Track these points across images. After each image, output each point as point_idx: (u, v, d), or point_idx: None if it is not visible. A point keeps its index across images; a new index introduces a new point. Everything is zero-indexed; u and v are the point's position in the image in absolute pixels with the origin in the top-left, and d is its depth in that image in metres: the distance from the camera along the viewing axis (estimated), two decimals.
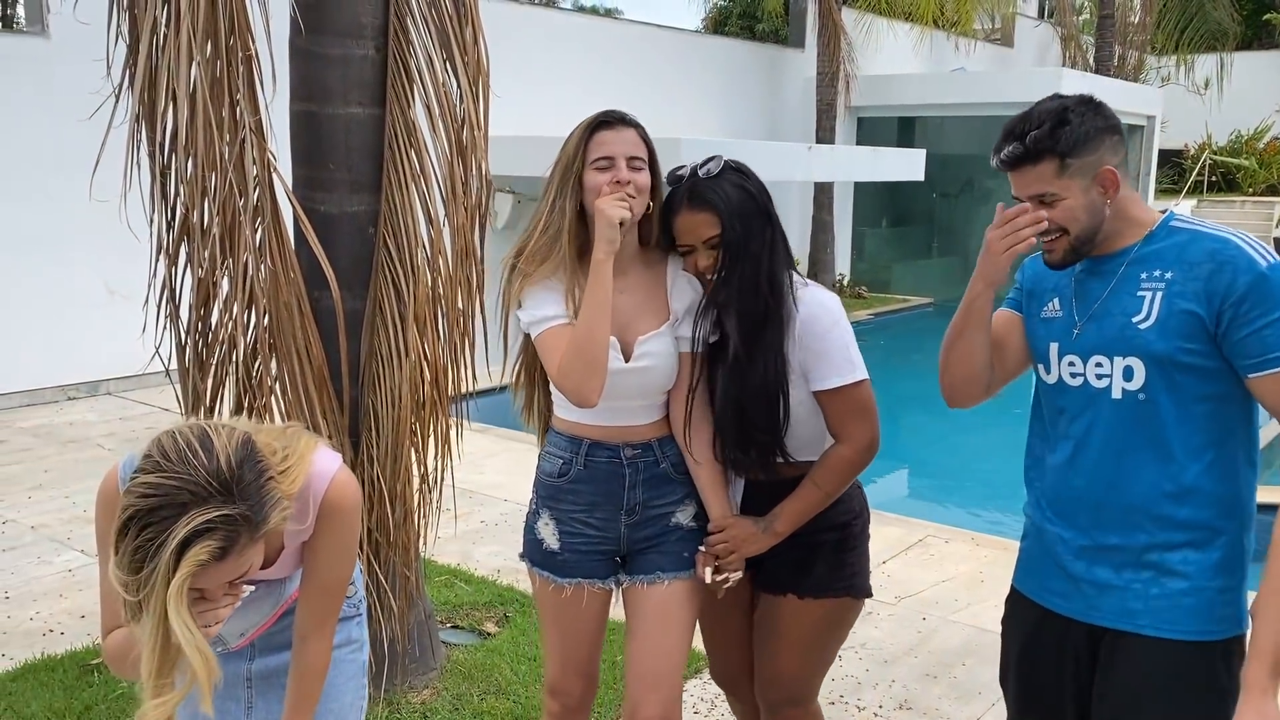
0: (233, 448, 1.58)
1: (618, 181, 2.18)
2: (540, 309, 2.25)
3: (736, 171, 2.28)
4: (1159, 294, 1.94)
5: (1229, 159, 20.44)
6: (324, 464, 1.84)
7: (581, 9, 24.68)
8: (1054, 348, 2.09)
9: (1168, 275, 1.94)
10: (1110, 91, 15.47)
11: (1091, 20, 21.06)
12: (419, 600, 3.58)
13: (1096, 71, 18.04)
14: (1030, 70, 18.19)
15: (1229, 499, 1.95)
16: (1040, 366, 2.14)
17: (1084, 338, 2.03)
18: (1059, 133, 1.93)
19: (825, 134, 14.34)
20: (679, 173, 2.28)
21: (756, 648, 2.51)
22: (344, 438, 3.18)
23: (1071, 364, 2.05)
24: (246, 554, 1.59)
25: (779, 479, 2.34)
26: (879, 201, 16.30)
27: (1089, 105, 1.97)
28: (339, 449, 3.15)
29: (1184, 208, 19.14)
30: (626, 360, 2.27)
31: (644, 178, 2.22)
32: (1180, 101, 19.89)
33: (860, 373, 2.27)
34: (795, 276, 2.31)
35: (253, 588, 1.90)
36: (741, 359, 2.24)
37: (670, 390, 2.34)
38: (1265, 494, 2.11)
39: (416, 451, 3.35)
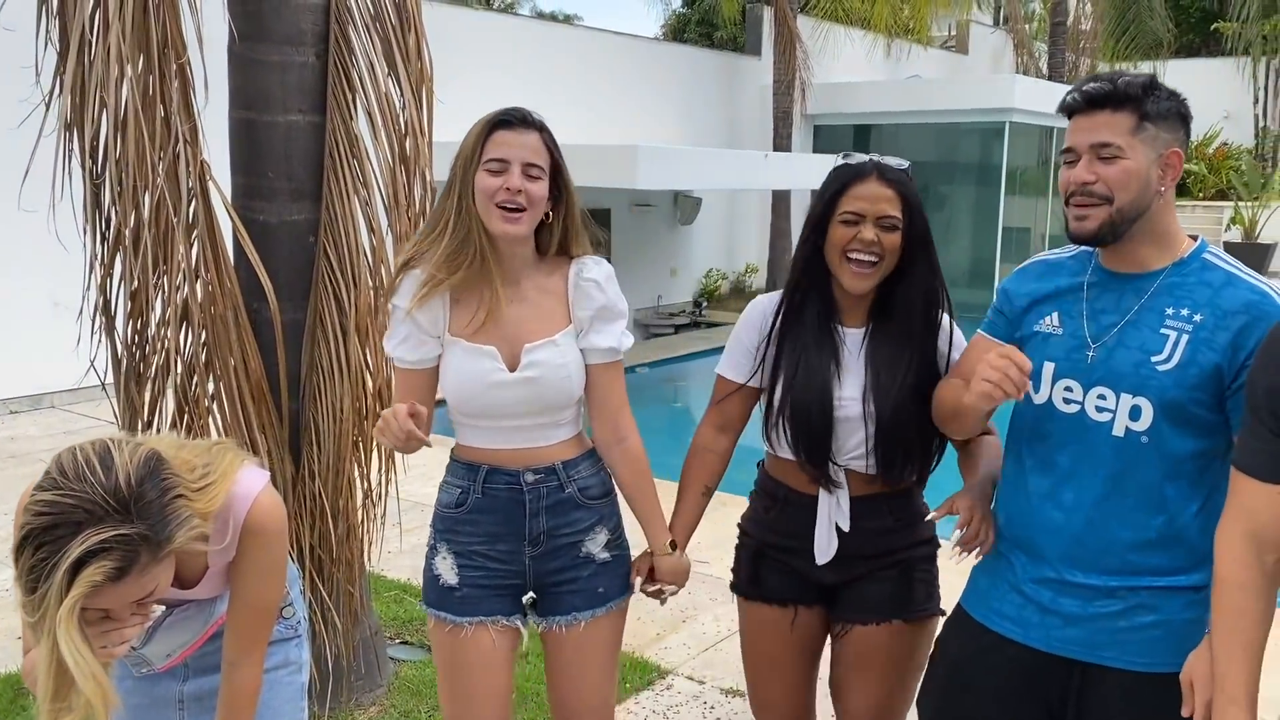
0: (134, 465, 1.53)
1: (507, 189, 2.03)
2: (404, 343, 2.16)
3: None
4: (1184, 337, 1.84)
5: None
6: (248, 484, 1.80)
7: (539, 15, 24.67)
8: (1049, 368, 1.96)
9: (1196, 318, 1.84)
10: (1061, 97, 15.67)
11: (1044, 27, 21.35)
12: (365, 616, 3.52)
13: (1049, 78, 18.28)
14: (985, 77, 18.39)
15: (1207, 549, 1.85)
16: (1030, 385, 1.99)
17: (1092, 366, 1.91)
18: (1150, 91, 1.84)
19: (782, 141, 14.40)
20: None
21: (844, 684, 2.36)
22: (284, 452, 3.12)
23: (1068, 389, 1.94)
24: (150, 574, 1.54)
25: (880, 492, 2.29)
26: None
27: (1176, 94, 1.90)
28: (279, 463, 3.09)
29: None
30: (512, 370, 2.12)
31: (538, 189, 2.07)
32: None
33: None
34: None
35: (163, 608, 1.85)
36: (913, 357, 2.21)
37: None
38: None
39: (359, 465, 3.30)
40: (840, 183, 2.17)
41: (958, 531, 2.08)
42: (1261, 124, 21.74)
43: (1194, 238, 1.94)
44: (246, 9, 3.05)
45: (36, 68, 2.84)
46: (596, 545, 2.24)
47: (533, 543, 2.20)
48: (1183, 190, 20.69)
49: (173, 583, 1.76)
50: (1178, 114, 1.88)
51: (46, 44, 2.85)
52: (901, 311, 2.23)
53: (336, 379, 3.13)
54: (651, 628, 4.21)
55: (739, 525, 2.47)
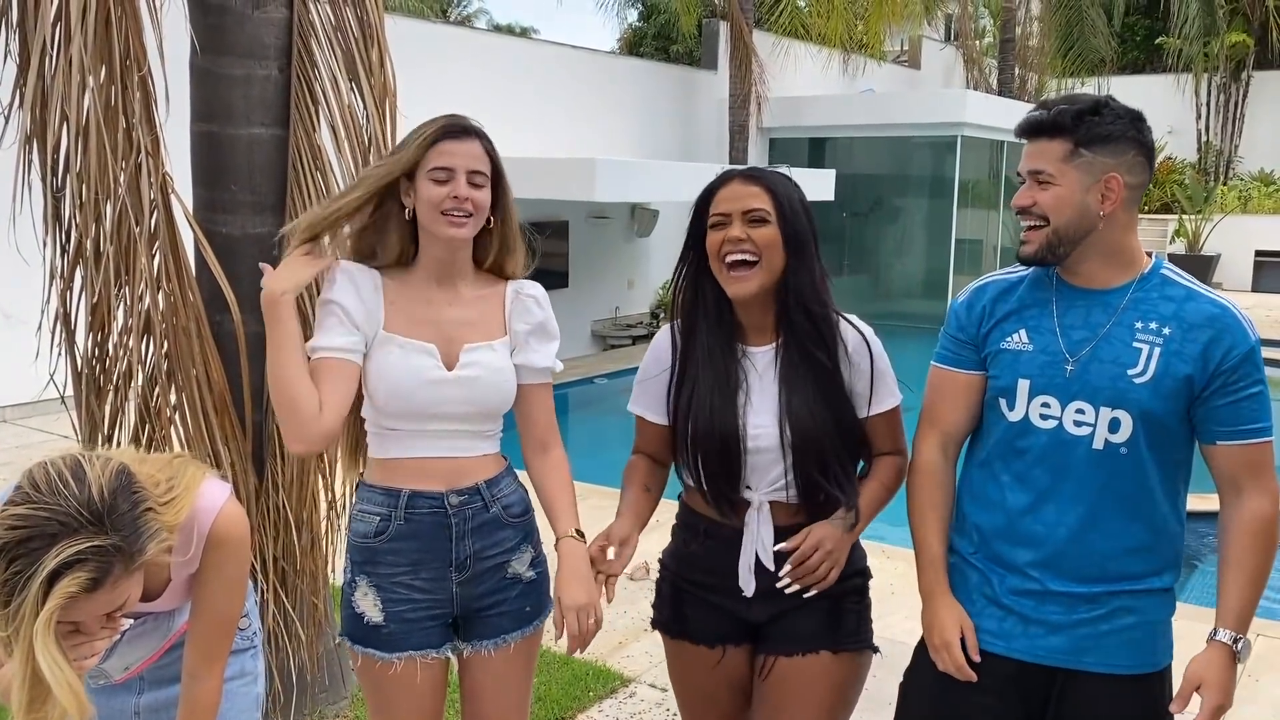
0: (106, 478, 1.55)
1: (454, 197, 2.04)
2: (317, 333, 2.08)
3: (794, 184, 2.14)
4: (1157, 349, 1.89)
5: None
6: (211, 496, 1.81)
7: (497, 28, 24.67)
8: (1024, 385, 1.97)
9: (1165, 331, 1.89)
10: (1014, 112, 15.93)
11: (994, 44, 21.72)
12: (328, 628, 3.51)
13: (999, 93, 18.60)
14: (936, 91, 18.66)
15: (1179, 551, 2.00)
16: (1001, 402, 2.01)
17: (1069, 381, 1.93)
18: (1084, 119, 1.87)
19: (738, 155, 14.52)
20: None
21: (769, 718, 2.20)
22: (247, 464, 3.11)
23: (1045, 405, 1.95)
24: (122, 586, 1.56)
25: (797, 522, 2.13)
26: None
27: (1130, 115, 1.91)
28: (243, 475, 3.09)
29: None
30: (450, 369, 2.10)
31: (482, 195, 2.08)
32: None
33: (899, 395, 2.20)
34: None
35: (132, 621, 1.85)
36: (826, 377, 2.09)
37: None
38: (1196, 502, 2.13)
39: (323, 477, 3.30)
40: (707, 192, 2.10)
41: (789, 565, 2.07)
42: (1204, 139, 22.25)
43: (1149, 254, 1.99)
44: (209, 22, 3.06)
45: None
46: (523, 564, 2.22)
47: (459, 568, 2.14)
48: None
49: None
50: (1125, 137, 1.89)
51: (5, 57, 2.85)
52: (796, 322, 2.09)
53: None
54: (614, 636, 4.24)
55: (659, 559, 2.35)
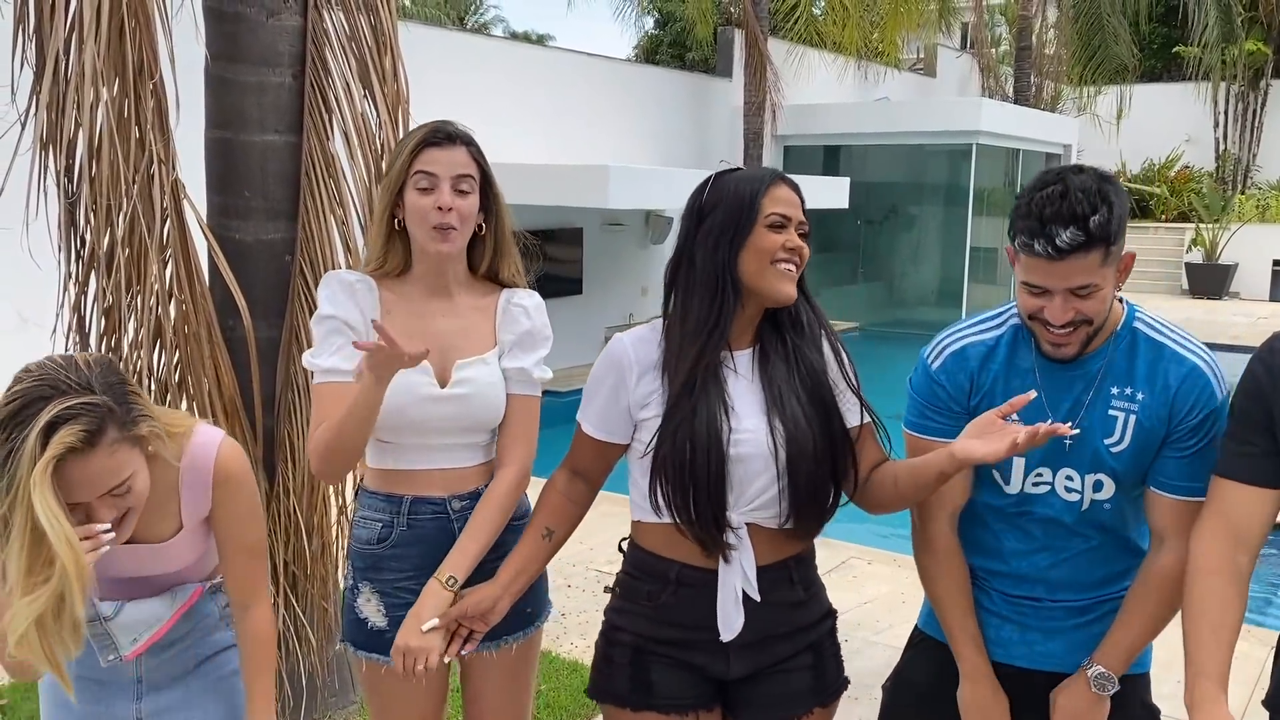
0: (94, 360, 1.67)
1: (439, 207, 2.01)
2: (341, 350, 2.04)
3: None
4: (1132, 417, 1.89)
5: (1143, 187, 21.13)
6: (207, 434, 1.89)
7: (513, 36, 24.76)
8: (1019, 462, 1.96)
9: (1139, 396, 1.89)
10: (1029, 120, 15.92)
11: (1010, 51, 21.68)
12: (338, 632, 3.52)
13: (1015, 101, 18.56)
14: (952, 100, 18.64)
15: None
16: (995, 474, 1.98)
17: (1059, 454, 1.93)
18: (1112, 218, 1.75)
19: (752, 162, 14.53)
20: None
21: None
22: (258, 469, 3.13)
23: (1039, 475, 1.97)
24: (119, 455, 1.63)
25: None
26: None
27: (1113, 182, 1.81)
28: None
29: None
30: (443, 386, 2.08)
31: (469, 203, 2.05)
32: (1097, 131, 20.54)
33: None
34: None
35: (128, 539, 1.81)
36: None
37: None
38: None
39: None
40: (759, 187, 1.91)
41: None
42: (1222, 147, 22.14)
43: (1120, 300, 1.94)
44: (224, 30, 3.09)
45: (12, 87, 2.86)
46: None
47: None
48: (1145, 212, 21.06)
49: (146, 539, 1.84)
50: (1125, 216, 1.81)
51: (22, 64, 2.87)
52: (782, 321, 1.97)
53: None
54: None
55: (605, 622, 2.09)
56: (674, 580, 1.96)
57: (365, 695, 2.24)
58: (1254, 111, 22.03)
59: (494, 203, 2.13)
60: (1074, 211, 1.74)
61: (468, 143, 2.09)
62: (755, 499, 1.91)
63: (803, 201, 1.95)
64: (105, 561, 1.73)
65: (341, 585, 2.22)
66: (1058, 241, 1.74)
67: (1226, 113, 22.05)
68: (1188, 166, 21.57)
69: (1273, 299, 17.63)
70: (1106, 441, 1.91)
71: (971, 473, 2.00)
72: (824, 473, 1.92)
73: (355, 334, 2.05)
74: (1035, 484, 1.97)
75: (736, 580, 1.92)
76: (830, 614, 2.09)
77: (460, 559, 2.05)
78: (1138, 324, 1.93)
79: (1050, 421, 1.80)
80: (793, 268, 1.90)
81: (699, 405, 1.88)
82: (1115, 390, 1.90)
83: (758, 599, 1.92)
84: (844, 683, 2.10)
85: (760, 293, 1.90)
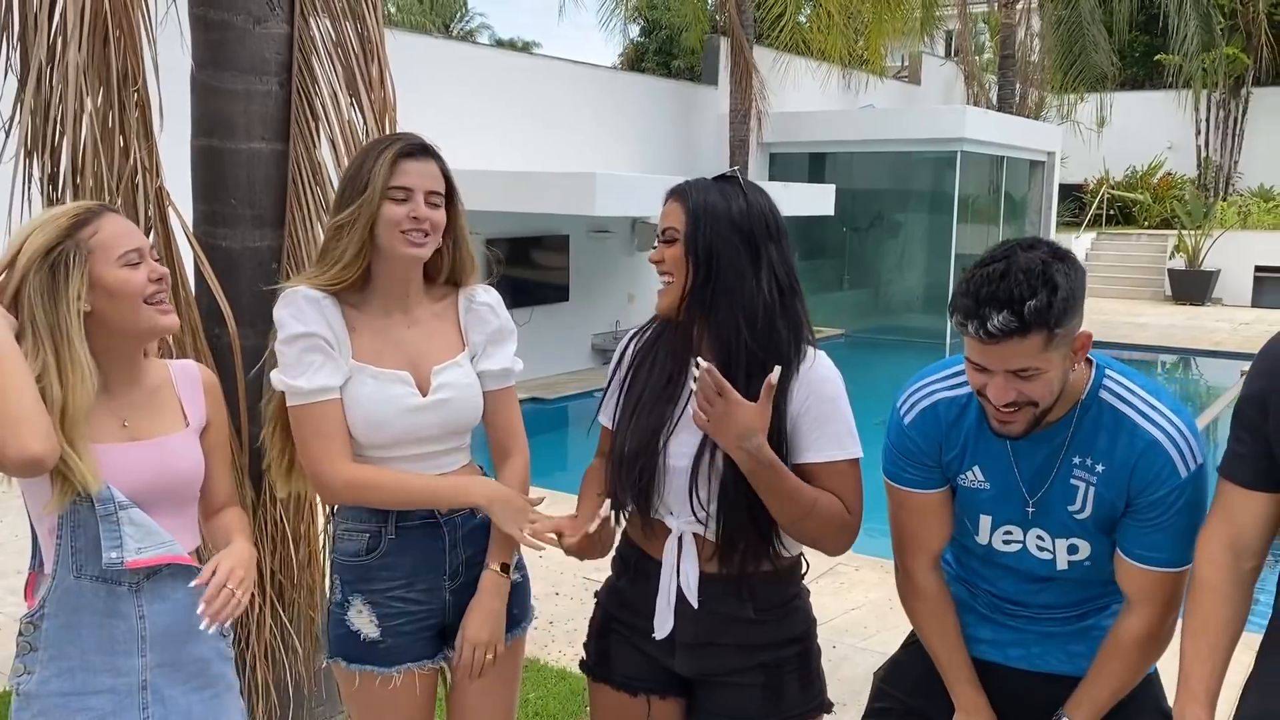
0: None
1: (414, 218, 2.04)
2: (321, 369, 2.03)
3: (736, 185, 2.04)
4: (1091, 489, 1.90)
5: (1125, 194, 21.27)
6: (178, 360, 2.16)
7: (499, 43, 24.79)
8: (985, 520, 1.99)
9: (1099, 469, 1.88)
10: (1013, 128, 16.01)
11: (994, 59, 21.80)
12: (325, 641, 3.51)
13: (1000, 109, 18.67)
14: (936, 107, 18.72)
15: None
16: (966, 522, 2.03)
17: (1028, 517, 1.96)
18: (1054, 301, 1.69)
19: (739, 169, 14.56)
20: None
21: None
22: (245, 477, 3.11)
23: (1009, 533, 1.99)
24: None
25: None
26: (791, 235, 16.50)
27: (1065, 260, 1.75)
28: (240, 489, 3.09)
29: (1084, 240, 19.80)
30: (425, 394, 2.10)
31: (440, 215, 2.09)
32: (1080, 138, 20.68)
33: (858, 450, 1.95)
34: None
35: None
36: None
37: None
38: None
39: None
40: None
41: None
42: (1204, 155, 22.32)
43: (1090, 362, 1.90)
44: (209, 38, 3.08)
45: None
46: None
47: (452, 576, 2.16)
48: (1128, 219, 21.21)
49: (155, 433, 1.99)
50: (1081, 291, 1.76)
51: (6, 72, 2.86)
52: (726, 341, 1.95)
53: None
54: None
55: (595, 593, 2.25)
56: (632, 566, 2.11)
57: (352, 710, 2.22)
58: (1235, 119, 22.23)
59: (457, 217, 2.17)
60: (1010, 294, 1.69)
61: (437, 157, 2.13)
62: (690, 512, 1.98)
63: (685, 204, 2.07)
64: (121, 460, 1.89)
65: (328, 597, 2.20)
66: (989, 325, 1.70)
67: (1208, 120, 22.24)
68: (1170, 173, 21.74)
69: (1254, 304, 17.76)
70: (1070, 509, 1.92)
71: (948, 508, 2.04)
72: (750, 514, 1.92)
73: (332, 349, 2.05)
74: (1005, 542, 1.99)
75: (672, 582, 1.99)
76: (798, 640, 2.06)
77: (504, 549, 2.14)
78: (1104, 393, 1.89)
79: (1020, 483, 1.90)
80: (662, 277, 2.02)
81: (648, 413, 2.01)
82: (1077, 460, 1.90)
83: (694, 605, 1.98)
84: (817, 707, 2.09)
85: None
